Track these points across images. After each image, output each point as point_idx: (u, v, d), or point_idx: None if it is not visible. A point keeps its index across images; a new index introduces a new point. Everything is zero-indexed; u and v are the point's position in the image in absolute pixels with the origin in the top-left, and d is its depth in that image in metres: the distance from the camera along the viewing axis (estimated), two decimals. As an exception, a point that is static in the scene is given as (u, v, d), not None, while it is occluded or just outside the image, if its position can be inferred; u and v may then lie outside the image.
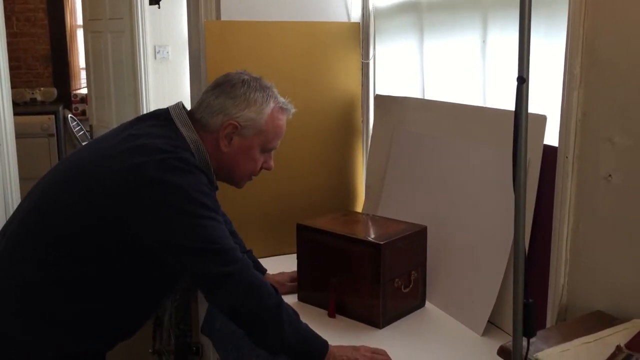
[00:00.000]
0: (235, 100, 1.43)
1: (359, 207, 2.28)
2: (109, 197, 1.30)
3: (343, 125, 2.25)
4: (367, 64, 2.23)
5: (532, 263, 1.46)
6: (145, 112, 3.89)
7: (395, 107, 2.07)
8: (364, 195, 2.24)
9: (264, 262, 2.04)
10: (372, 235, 1.62)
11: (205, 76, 2.05)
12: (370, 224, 1.74)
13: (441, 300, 1.72)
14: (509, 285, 1.53)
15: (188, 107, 1.52)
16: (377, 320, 1.59)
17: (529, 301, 0.97)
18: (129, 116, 3.94)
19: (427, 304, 1.74)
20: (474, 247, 1.64)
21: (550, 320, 1.31)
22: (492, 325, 1.57)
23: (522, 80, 0.91)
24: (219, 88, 1.45)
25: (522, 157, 0.96)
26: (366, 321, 1.61)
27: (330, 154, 2.22)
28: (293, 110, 1.52)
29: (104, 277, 1.34)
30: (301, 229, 1.74)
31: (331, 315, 1.66)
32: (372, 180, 2.16)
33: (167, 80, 3.95)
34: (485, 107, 1.75)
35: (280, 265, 2.00)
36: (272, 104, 1.47)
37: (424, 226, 1.70)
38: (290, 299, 1.76)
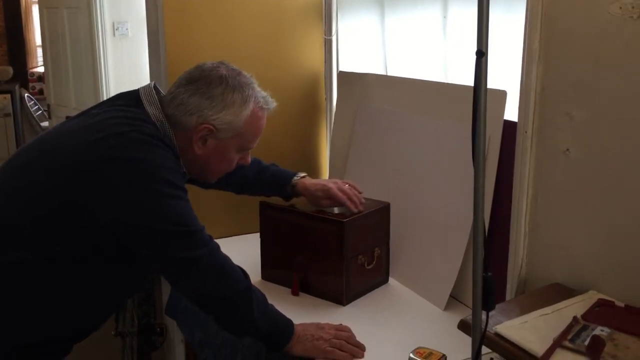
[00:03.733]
0: (212, 101, 1.34)
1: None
2: (62, 178, 1.23)
3: (306, 104, 2.23)
4: (330, 40, 2.21)
5: (493, 238, 1.48)
6: (105, 91, 3.81)
7: (359, 84, 2.06)
8: (328, 172, 2.23)
9: (228, 241, 2.03)
10: (336, 212, 1.62)
11: (164, 55, 2.00)
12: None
13: (404, 276, 1.73)
14: (471, 260, 1.55)
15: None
16: (341, 297, 1.60)
17: (487, 275, 0.97)
18: (88, 96, 3.88)
19: (391, 280, 1.74)
20: (437, 223, 1.65)
21: (509, 293, 1.33)
22: (454, 300, 1.59)
23: (481, 54, 0.90)
24: (194, 85, 1.35)
25: (481, 131, 0.96)
26: (330, 298, 1.62)
27: (294, 133, 2.20)
28: (274, 105, 1.44)
29: (63, 269, 1.26)
30: (264, 208, 1.72)
31: (295, 293, 1.66)
32: (336, 158, 2.15)
33: (127, 58, 3.85)
34: (447, 83, 1.75)
35: (244, 244, 1.99)
36: (251, 105, 1.37)
37: (387, 203, 1.70)
38: (254, 278, 1.75)
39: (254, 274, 1.76)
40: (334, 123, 2.17)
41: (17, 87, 5.31)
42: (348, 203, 1.62)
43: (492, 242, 1.46)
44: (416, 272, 1.69)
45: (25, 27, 5.74)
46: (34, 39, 5.78)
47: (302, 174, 1.70)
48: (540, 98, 1.25)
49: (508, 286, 1.33)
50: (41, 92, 5.37)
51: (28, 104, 5.28)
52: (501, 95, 1.48)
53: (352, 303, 1.61)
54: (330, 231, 1.58)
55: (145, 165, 1.23)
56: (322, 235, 1.59)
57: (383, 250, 1.70)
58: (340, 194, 1.62)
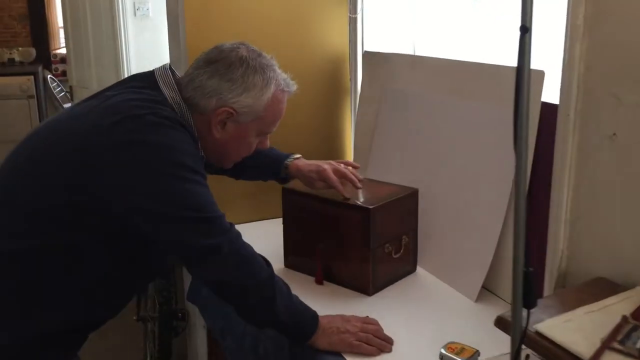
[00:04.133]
0: (232, 83, 1.28)
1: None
2: (75, 163, 1.18)
3: (330, 85, 2.15)
4: (355, 19, 2.12)
5: (529, 227, 1.39)
6: (126, 72, 3.76)
7: (385, 65, 1.98)
8: (352, 157, 2.16)
9: (249, 227, 1.97)
10: (361, 199, 1.55)
11: (183, 36, 1.93)
12: (363, 187, 1.66)
13: (433, 266, 1.65)
14: (504, 249, 1.47)
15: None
16: (367, 287, 1.53)
17: (528, 269, 0.90)
18: (110, 77, 3.83)
19: (419, 269, 1.68)
20: (468, 210, 1.57)
21: (548, 287, 1.25)
22: (486, 291, 1.51)
23: (525, 30, 0.82)
24: (213, 66, 1.29)
25: (523, 113, 0.88)
26: (355, 288, 1.55)
27: (317, 115, 2.13)
28: (295, 88, 1.38)
29: (79, 256, 1.22)
30: (287, 194, 1.66)
31: (319, 282, 1.60)
32: (360, 141, 2.08)
33: (148, 39, 3.79)
34: (479, 63, 1.65)
35: (266, 230, 1.93)
36: (272, 88, 1.31)
37: (415, 189, 1.63)
38: (277, 266, 1.69)
39: (276, 262, 1.71)
40: (358, 105, 2.09)
41: (40, 68, 5.30)
42: (339, 187, 1.55)
43: (528, 233, 1.38)
44: (446, 262, 1.61)
45: (47, 8, 5.72)
46: (57, 20, 5.75)
47: (297, 155, 1.65)
48: (585, 79, 1.16)
49: (546, 279, 1.26)
50: (64, 73, 5.34)
51: (51, 86, 5.27)
52: (539, 75, 1.38)
53: (379, 293, 1.55)
54: (355, 218, 1.51)
55: (162, 149, 1.18)
56: (347, 223, 1.53)
57: (411, 238, 1.63)
58: (332, 176, 1.55)
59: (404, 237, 1.60)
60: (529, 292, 0.90)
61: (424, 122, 1.77)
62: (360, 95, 2.09)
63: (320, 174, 1.57)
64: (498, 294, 1.51)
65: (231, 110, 1.30)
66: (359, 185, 1.58)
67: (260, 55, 1.34)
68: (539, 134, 1.39)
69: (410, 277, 1.64)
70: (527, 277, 0.90)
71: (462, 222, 1.58)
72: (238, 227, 1.28)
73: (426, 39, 1.93)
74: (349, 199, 1.55)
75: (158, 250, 1.31)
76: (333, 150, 2.19)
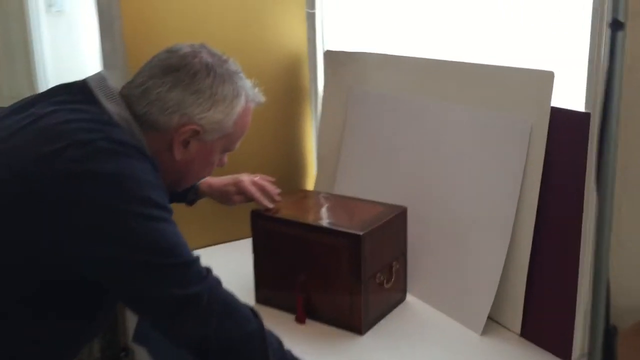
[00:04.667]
0: (199, 96, 1.06)
1: (310, 184, 1.98)
2: (8, 205, 0.93)
3: (287, 88, 1.93)
4: (313, 15, 1.90)
5: (537, 257, 1.23)
6: (43, 77, 3.37)
7: (351, 65, 1.77)
8: (315, 168, 1.94)
9: (216, 249, 1.78)
10: (347, 223, 1.33)
11: (119, 32, 1.65)
12: (339, 207, 1.45)
13: (425, 293, 1.47)
14: (511, 273, 1.30)
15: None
16: (358, 324, 1.32)
17: (611, 328, 0.72)
18: (22, 81, 3.42)
19: (408, 296, 1.48)
20: (462, 227, 1.39)
21: (581, 330, 1.09)
22: (490, 321, 1.34)
23: (619, 26, 0.63)
24: (174, 76, 1.06)
25: (613, 123, 0.69)
26: (344, 326, 1.34)
27: (273, 123, 1.89)
28: (263, 99, 1.18)
29: (16, 315, 0.98)
30: (257, 218, 1.42)
31: (300, 320, 1.38)
32: (325, 150, 1.87)
33: (64, 38, 3.42)
34: (465, 63, 1.48)
35: (230, 256, 1.70)
36: (243, 100, 1.11)
37: (404, 207, 1.43)
38: (248, 302, 1.46)
39: (246, 297, 1.47)
40: (321, 111, 1.88)
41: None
42: (260, 197, 1.41)
43: (538, 263, 1.22)
44: (441, 289, 1.43)
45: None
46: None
47: None
48: (629, 75, 0.99)
49: (578, 320, 1.09)
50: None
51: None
52: (547, 77, 1.22)
53: (371, 331, 1.35)
54: (342, 246, 1.30)
55: (120, 182, 0.93)
56: (332, 251, 1.31)
57: (401, 263, 1.43)
58: (251, 187, 1.42)
59: (394, 263, 1.40)
60: (611, 355, 0.72)
61: (402, 128, 1.57)
62: (322, 98, 1.87)
63: (238, 187, 1.43)
64: (504, 323, 1.34)
65: (197, 128, 1.07)
66: (277, 198, 1.45)
67: (226, 61, 1.12)
68: (549, 144, 1.22)
69: (401, 307, 1.45)
70: (608, 336, 0.72)
71: (458, 243, 1.40)
72: (198, 251, 1.04)
73: (395, 34, 1.74)
74: (270, 209, 1.41)
75: (114, 302, 1.06)
76: (292, 160, 1.97)
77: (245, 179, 1.45)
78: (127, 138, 0.99)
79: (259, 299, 1.46)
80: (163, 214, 0.97)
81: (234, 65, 1.12)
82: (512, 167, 1.28)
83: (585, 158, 1.11)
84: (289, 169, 1.96)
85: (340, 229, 1.31)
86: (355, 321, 1.32)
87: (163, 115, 1.05)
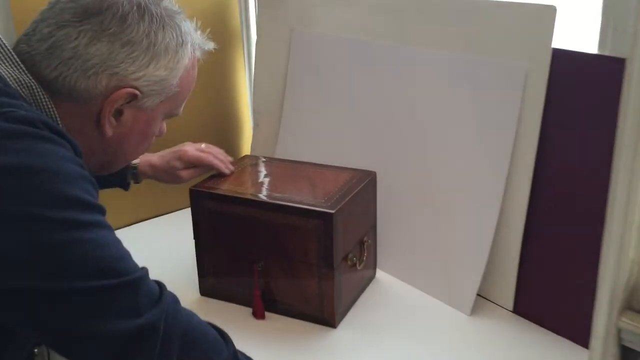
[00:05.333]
0: (133, 48, 0.78)
1: (246, 147, 1.72)
2: None
3: (212, 33, 1.62)
4: (239, -58, 1.60)
5: (535, 226, 1.06)
6: None
7: (290, 3, 1.50)
8: (252, 128, 1.68)
9: (146, 226, 1.54)
10: (311, 198, 1.10)
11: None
12: (295, 176, 1.21)
13: (398, 268, 1.28)
14: (500, 244, 1.13)
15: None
16: (331, 316, 1.12)
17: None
18: None
19: (378, 272, 1.29)
20: (441, 194, 1.20)
21: (606, 309, 0.93)
22: (477, 297, 1.17)
23: None
24: (94, 22, 0.77)
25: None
26: (313, 319, 1.13)
27: (197, 75, 1.60)
28: (212, 46, 0.92)
29: None
30: (197, 196, 1.16)
31: (258, 315, 1.15)
32: (262, 105, 1.60)
33: None
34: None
35: (170, 228, 1.44)
36: (189, 49, 0.85)
37: (373, 173, 1.22)
38: (189, 295, 1.22)
39: (187, 290, 1.23)
40: (255, 58, 1.60)
41: None
42: (220, 164, 1.20)
43: (531, 238, 1.05)
44: (417, 263, 1.24)
45: None
46: None
47: None
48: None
49: (602, 300, 0.93)
50: None
51: None
52: (548, 12, 1.02)
53: (344, 321, 1.15)
54: (309, 227, 1.07)
55: (29, 178, 0.65)
56: (296, 233, 1.09)
57: (371, 237, 1.23)
58: (205, 155, 1.20)
59: (365, 238, 1.19)
60: None
61: (361, 77, 1.34)
62: (256, 44, 1.59)
63: (185, 159, 1.20)
64: (493, 299, 1.18)
65: (134, 92, 0.80)
66: (230, 167, 1.22)
67: None
68: (549, 93, 1.04)
69: (373, 286, 1.25)
70: None
71: (436, 211, 1.21)
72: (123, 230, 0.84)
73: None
74: (231, 173, 1.22)
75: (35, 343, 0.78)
76: (223, 119, 1.69)
77: (190, 148, 1.20)
78: (32, 113, 0.70)
79: (204, 290, 1.22)
80: (94, 217, 0.70)
81: (172, 3, 0.85)
82: (503, 123, 1.09)
83: (611, 112, 0.93)
84: (219, 130, 1.68)
85: (305, 206, 1.07)
86: (327, 313, 1.12)
87: (84, 79, 0.77)
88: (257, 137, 1.63)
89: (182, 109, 0.91)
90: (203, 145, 1.23)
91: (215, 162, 1.21)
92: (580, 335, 1.02)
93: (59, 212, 0.66)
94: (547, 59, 1.03)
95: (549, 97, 1.04)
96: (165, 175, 1.21)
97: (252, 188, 1.16)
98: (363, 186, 1.16)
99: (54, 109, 0.76)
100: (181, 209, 1.57)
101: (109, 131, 0.80)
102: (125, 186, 1.21)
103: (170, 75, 0.82)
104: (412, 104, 1.24)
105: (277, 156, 1.51)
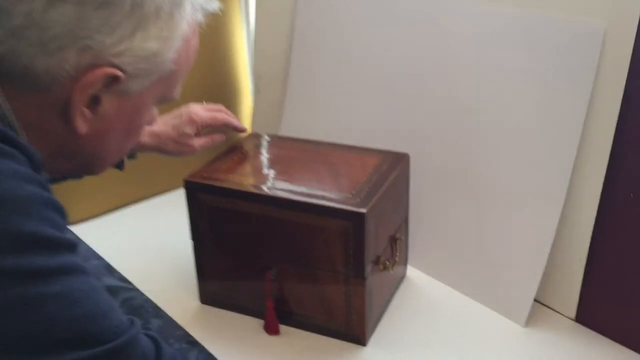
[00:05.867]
0: (112, 11, 0.54)
1: (246, 117, 1.50)
2: None
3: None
4: None
5: (606, 223, 0.87)
6: None
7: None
8: (252, 97, 1.46)
9: (135, 210, 1.32)
10: (335, 191, 0.90)
11: None
12: (313, 161, 1.00)
13: (434, 265, 1.09)
14: (561, 241, 0.94)
15: None
16: (361, 333, 0.93)
17: None
18: None
19: (409, 270, 1.10)
20: (489, 182, 1.00)
21: None
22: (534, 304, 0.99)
23: None
24: None
25: None
26: (339, 335, 0.94)
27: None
28: (216, 6, 0.66)
29: None
30: (194, 190, 0.95)
31: (271, 330, 0.96)
32: (264, 66, 1.38)
33: None
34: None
35: (164, 212, 1.24)
36: (188, 10, 0.61)
37: (406, 155, 1.01)
38: (186, 302, 1.02)
39: (186, 295, 1.04)
40: (256, 12, 1.37)
41: None
42: (235, 120, 1.05)
43: (601, 236, 0.85)
44: (454, 260, 1.05)
45: None
46: None
47: None
48: None
49: None
50: None
51: None
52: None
53: (374, 335, 0.96)
54: (335, 228, 0.87)
55: None
56: (318, 236, 0.88)
57: (403, 231, 1.04)
58: (220, 114, 1.03)
59: (397, 234, 1.00)
60: None
61: (388, 37, 1.12)
62: (256, 1, 1.36)
63: (199, 122, 0.99)
64: (551, 305, 0.99)
65: (115, 72, 0.57)
66: (241, 126, 1.06)
67: None
68: (636, 61, 0.82)
69: (404, 288, 1.06)
70: None
71: (483, 203, 1.01)
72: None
73: None
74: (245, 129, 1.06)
75: None
76: (218, 87, 1.46)
77: (198, 109, 1.00)
78: None
79: (205, 297, 1.03)
80: (61, 259, 0.50)
81: None
82: (572, 96, 0.88)
83: None
84: (212, 98, 1.45)
85: (330, 203, 0.87)
86: (355, 328, 0.92)
87: (43, 56, 0.54)
88: (258, 105, 1.40)
89: (178, 90, 0.69)
90: (205, 104, 1.05)
91: (232, 117, 1.04)
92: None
93: (12, 258, 0.46)
94: (634, 17, 0.81)
95: (635, 65, 0.82)
96: (173, 145, 0.99)
97: (260, 178, 0.95)
98: (397, 174, 0.95)
99: (4, 100, 0.54)
100: (178, 187, 1.36)
101: (82, 127, 0.58)
102: (119, 165, 0.97)
103: (163, 48, 0.59)
104: (451, 70, 1.02)
105: (283, 129, 1.30)
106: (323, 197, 0.87)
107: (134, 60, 0.57)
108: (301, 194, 0.89)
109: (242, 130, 1.05)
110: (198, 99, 1.36)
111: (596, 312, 0.95)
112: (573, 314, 0.97)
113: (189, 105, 1.01)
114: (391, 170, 0.95)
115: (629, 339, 0.92)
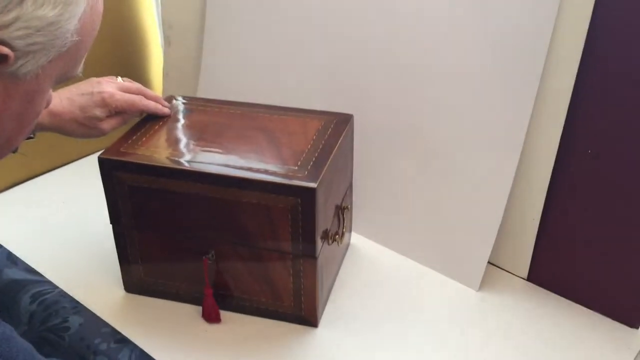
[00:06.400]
0: None
1: (154, 75, 1.34)
2: None
3: None
4: None
5: (562, 179, 0.82)
6: None
7: None
8: (162, 57, 1.30)
9: (46, 180, 1.16)
10: (281, 163, 0.79)
11: None
12: (249, 127, 0.89)
13: (379, 231, 1.02)
14: (515, 200, 0.90)
15: None
16: (312, 314, 0.85)
17: None
18: None
19: (353, 236, 1.03)
20: (434, 137, 0.93)
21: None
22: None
23: None
24: None
25: None
26: (287, 318, 0.86)
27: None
28: None
29: None
30: (112, 169, 0.81)
31: (212, 318, 0.86)
32: (174, 14, 1.22)
33: None
34: None
35: (76, 181, 1.08)
36: None
37: (349, 116, 0.91)
38: (112, 292, 0.90)
39: (109, 283, 0.91)
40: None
41: None
42: (156, 106, 0.89)
43: (557, 193, 0.81)
44: (401, 224, 0.99)
45: None
46: None
47: None
48: None
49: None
50: None
51: None
52: None
53: (324, 316, 0.88)
54: (281, 206, 0.77)
55: None
56: (261, 214, 0.78)
57: (349, 198, 0.95)
58: (138, 97, 0.88)
59: (344, 203, 0.91)
60: None
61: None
62: None
63: (112, 106, 0.84)
64: (503, 266, 0.96)
65: (3, 51, 0.44)
66: (166, 105, 0.90)
67: None
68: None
69: (350, 258, 0.99)
70: None
71: (429, 160, 0.95)
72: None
73: None
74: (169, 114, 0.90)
75: None
76: (121, 42, 1.28)
77: (111, 89, 0.84)
78: None
79: (130, 285, 0.91)
80: None
81: None
82: (529, 35, 0.82)
83: None
84: (115, 55, 1.28)
85: (274, 178, 0.76)
86: (305, 310, 0.85)
87: None
88: (169, 61, 1.25)
89: (81, 67, 0.55)
90: (122, 80, 0.88)
91: (152, 104, 0.88)
92: (606, 306, 0.85)
93: None
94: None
95: (597, 16, 0.76)
96: (78, 127, 0.84)
97: (188, 150, 0.82)
98: (342, 138, 0.86)
99: None
100: (90, 153, 1.21)
101: None
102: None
103: (63, 16, 0.46)
104: (395, 10, 0.92)
105: (201, 89, 1.16)
106: (265, 171, 0.77)
107: (24, 33, 0.44)
108: (240, 168, 0.78)
109: (167, 115, 0.90)
110: (97, 56, 1.20)
111: (548, 271, 0.92)
112: (525, 274, 0.94)
113: (102, 83, 0.85)
114: (337, 135, 0.86)
115: (579, 296, 0.90)
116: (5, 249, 0.98)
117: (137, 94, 0.88)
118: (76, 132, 0.84)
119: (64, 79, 0.53)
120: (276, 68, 1.07)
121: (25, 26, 0.44)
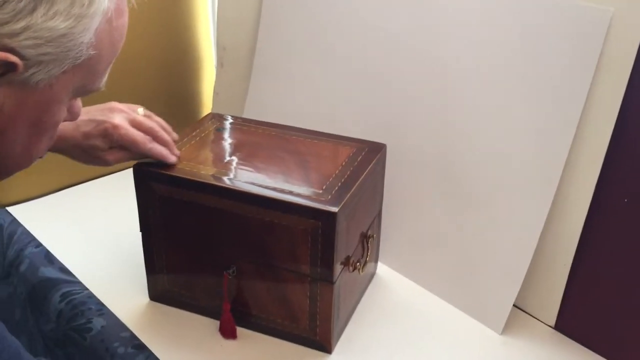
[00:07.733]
0: None
1: (207, 94, 1.39)
2: None
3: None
4: None
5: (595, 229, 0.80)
6: None
7: None
8: (215, 76, 1.34)
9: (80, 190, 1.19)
10: (304, 185, 0.80)
11: None
12: (279, 149, 0.90)
13: (405, 264, 1.01)
14: (546, 244, 0.87)
15: None
16: (326, 340, 0.85)
17: None
18: None
19: (380, 267, 1.02)
20: (468, 174, 0.92)
21: None
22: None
23: None
24: None
25: None
26: (300, 341, 0.86)
27: (146, 14, 1.24)
28: None
29: None
30: (146, 178, 0.84)
31: (228, 334, 0.87)
32: (228, 37, 1.26)
33: None
34: None
35: (109, 193, 1.12)
36: None
37: (382, 146, 0.92)
38: (136, 299, 0.92)
39: (135, 290, 0.94)
40: (220, -24, 1.25)
41: None
42: (158, 151, 0.82)
43: (589, 242, 0.78)
44: (428, 259, 0.98)
45: None
46: None
47: None
48: None
49: None
50: None
51: None
52: None
53: (340, 341, 0.88)
54: (302, 227, 0.78)
55: None
56: (283, 234, 0.79)
57: (376, 227, 0.95)
58: (142, 139, 0.81)
59: (369, 232, 0.91)
60: None
61: (365, 4, 1.02)
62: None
63: (114, 139, 0.80)
64: (529, 311, 0.93)
65: (9, 58, 0.46)
66: (175, 152, 0.84)
67: None
68: None
69: (373, 287, 0.98)
70: None
71: (461, 198, 0.93)
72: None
73: None
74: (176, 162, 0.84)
75: None
76: (175, 62, 1.33)
77: (120, 121, 0.80)
78: None
79: (155, 293, 0.93)
80: None
81: None
82: (569, 85, 0.80)
83: None
84: (169, 73, 1.33)
85: (297, 200, 0.77)
86: (320, 335, 0.84)
87: None
88: (221, 81, 1.29)
89: (104, 81, 0.57)
90: (141, 111, 0.84)
91: (158, 149, 0.81)
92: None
93: None
94: (642, 4, 0.73)
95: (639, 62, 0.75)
96: (80, 154, 0.81)
97: (219, 167, 0.84)
98: (371, 166, 0.86)
99: None
100: (128, 167, 1.25)
101: None
102: None
103: (75, 29, 0.48)
104: (439, 54, 0.93)
105: (247, 108, 1.19)
106: (290, 192, 0.78)
107: (35, 42, 0.46)
108: (266, 187, 0.79)
109: (173, 163, 0.83)
110: (153, 74, 1.24)
111: (576, 320, 0.89)
112: (553, 321, 0.90)
113: (114, 111, 0.81)
114: (366, 163, 0.86)
115: (608, 350, 0.86)
116: (44, 247, 1.02)
117: (148, 132, 0.82)
118: (80, 159, 0.82)
119: (85, 92, 0.56)
120: (317, 94, 1.09)
121: (35, 36, 0.46)
